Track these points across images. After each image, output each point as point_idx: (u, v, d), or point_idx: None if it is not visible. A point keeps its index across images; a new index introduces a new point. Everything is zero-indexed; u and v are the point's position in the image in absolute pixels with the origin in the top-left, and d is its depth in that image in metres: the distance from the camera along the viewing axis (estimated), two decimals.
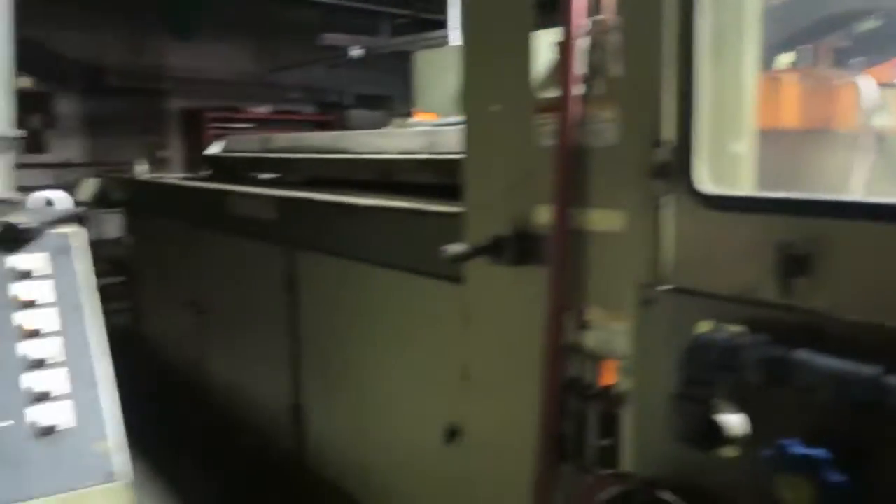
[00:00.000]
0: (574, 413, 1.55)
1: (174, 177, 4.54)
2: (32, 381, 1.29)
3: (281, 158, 3.49)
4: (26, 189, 1.58)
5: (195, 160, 9.10)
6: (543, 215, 1.54)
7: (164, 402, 3.78)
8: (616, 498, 1.23)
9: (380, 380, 2.34)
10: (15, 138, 1.49)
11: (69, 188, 1.76)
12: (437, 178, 2.42)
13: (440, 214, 1.97)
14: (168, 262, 3.92)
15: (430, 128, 2.91)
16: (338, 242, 2.46)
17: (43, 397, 1.28)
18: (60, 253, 1.46)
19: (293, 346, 2.79)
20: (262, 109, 9.70)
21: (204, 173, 4.32)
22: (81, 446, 1.26)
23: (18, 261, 1.42)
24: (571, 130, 1.42)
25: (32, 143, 8.38)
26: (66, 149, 8.50)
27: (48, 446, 1.24)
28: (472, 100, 1.76)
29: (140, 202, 4.20)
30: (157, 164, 5.32)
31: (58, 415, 1.27)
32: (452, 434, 1.95)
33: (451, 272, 1.85)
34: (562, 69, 1.42)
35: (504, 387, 1.72)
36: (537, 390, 1.54)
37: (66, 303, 1.41)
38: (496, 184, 1.69)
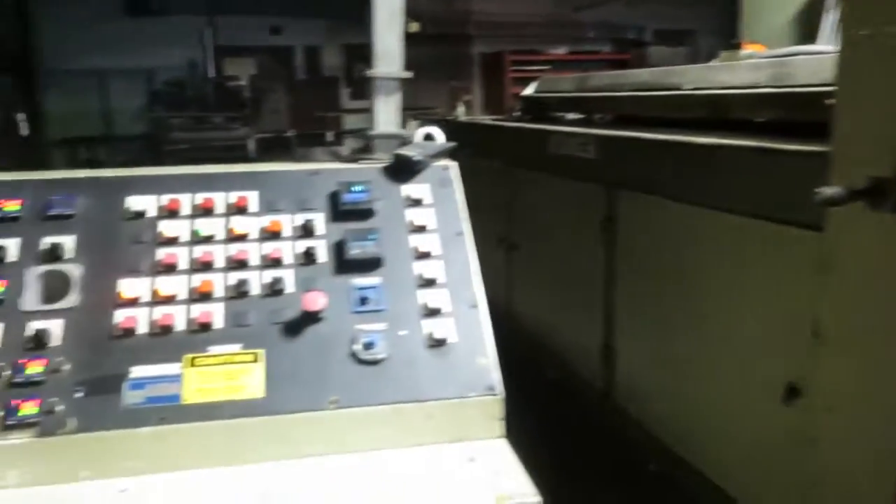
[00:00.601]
0: None
1: (487, 118, 4.76)
2: (425, 297, 1.46)
3: (602, 97, 3.45)
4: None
5: (494, 103, 9.47)
6: None
7: None
8: None
9: (702, 327, 2.25)
10: (405, 79, 1.66)
11: None
12: (785, 113, 2.21)
13: (799, 154, 1.79)
14: (481, 198, 4.16)
15: (773, 59, 2.64)
16: (666, 183, 2.37)
17: (434, 313, 1.44)
18: (443, 184, 1.62)
19: (607, 285, 2.79)
20: (560, 50, 9.71)
21: (514, 114, 4.47)
22: (466, 360, 1.40)
23: (410, 189, 1.60)
24: None
25: (356, 89, 9.40)
26: None
27: (438, 357, 1.40)
28: (853, 20, 1.54)
29: (458, 142, 4.48)
30: (463, 107, 5.64)
31: (445, 329, 1.42)
32: (792, 392, 1.81)
33: (806, 218, 1.69)
34: None
35: (868, 347, 1.54)
36: None
37: (448, 230, 1.56)
38: (878, 118, 1.48)
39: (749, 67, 2.59)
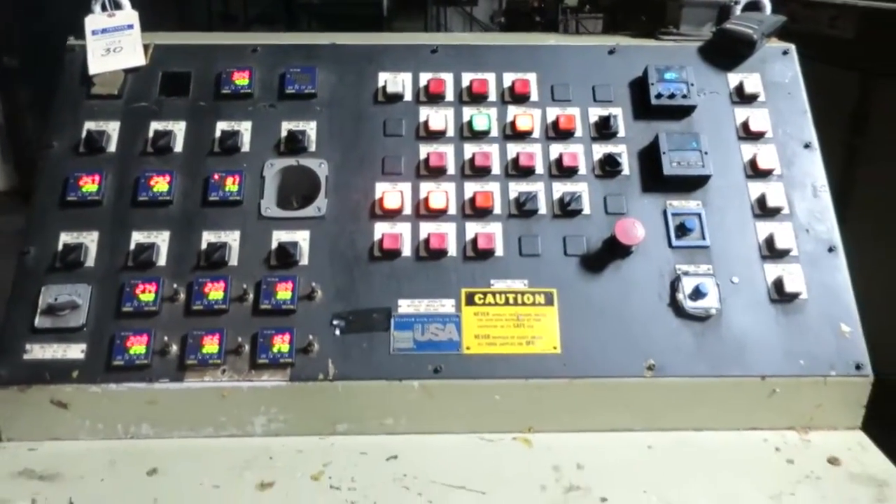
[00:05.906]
0: None
1: None
2: (766, 231, 1.09)
3: None
4: None
5: None
6: None
7: None
8: None
9: None
10: None
11: None
12: None
13: None
14: None
15: None
16: None
17: (779, 255, 1.07)
18: (782, 74, 1.20)
19: None
20: None
21: None
22: (822, 324, 1.04)
23: (739, 80, 1.19)
24: None
25: None
26: None
27: (785, 317, 1.04)
28: None
29: None
30: None
31: (795, 279, 1.05)
32: None
33: None
34: None
35: None
36: None
37: (791, 139, 1.15)
38: None
39: None
